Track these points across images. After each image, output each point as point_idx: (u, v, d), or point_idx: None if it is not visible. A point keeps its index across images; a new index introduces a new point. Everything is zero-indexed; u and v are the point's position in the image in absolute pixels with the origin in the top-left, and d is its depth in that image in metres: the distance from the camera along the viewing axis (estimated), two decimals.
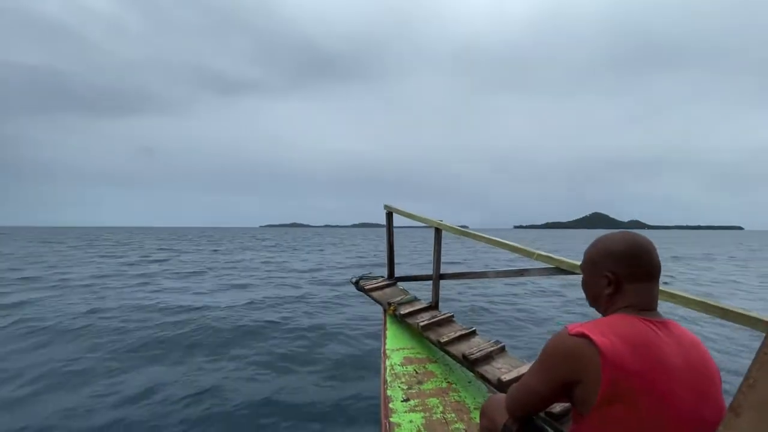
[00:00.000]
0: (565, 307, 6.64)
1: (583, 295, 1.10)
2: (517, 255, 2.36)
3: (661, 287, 1.58)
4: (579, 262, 1.93)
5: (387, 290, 3.40)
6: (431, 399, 2.01)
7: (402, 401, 1.97)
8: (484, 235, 2.57)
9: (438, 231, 2.95)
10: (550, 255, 2.09)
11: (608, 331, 0.87)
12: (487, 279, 2.72)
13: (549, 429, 1.15)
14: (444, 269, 3.06)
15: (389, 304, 3.04)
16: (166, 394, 3.06)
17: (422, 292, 3.33)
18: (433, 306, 3.02)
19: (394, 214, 3.54)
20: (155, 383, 3.26)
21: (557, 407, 1.63)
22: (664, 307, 1.04)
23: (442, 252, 3.03)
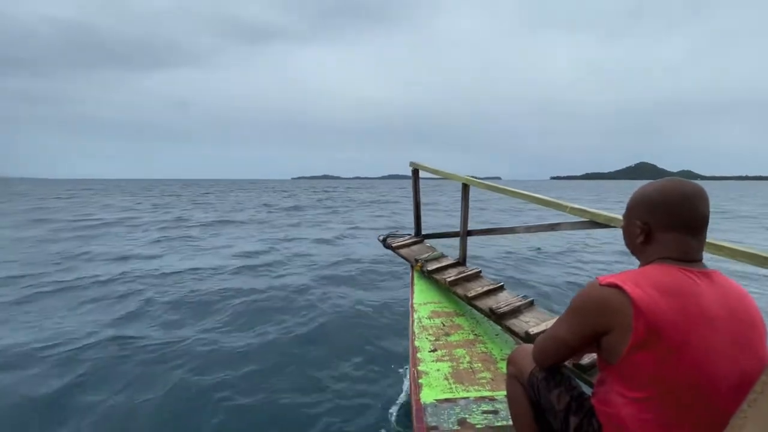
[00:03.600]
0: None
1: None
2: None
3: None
4: (614, 215, 1.84)
5: (414, 247, 3.42)
6: (458, 350, 2.05)
7: (430, 351, 2.03)
8: (513, 189, 2.48)
9: (465, 187, 2.88)
10: (584, 208, 1.99)
11: (642, 281, 0.84)
12: (517, 234, 2.66)
13: (574, 377, 1.16)
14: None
15: (416, 260, 3.06)
16: None
17: (450, 249, 3.32)
18: (461, 262, 3.02)
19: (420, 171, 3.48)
20: None
21: (585, 359, 1.62)
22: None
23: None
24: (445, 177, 3.18)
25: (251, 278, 5.51)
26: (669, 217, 0.91)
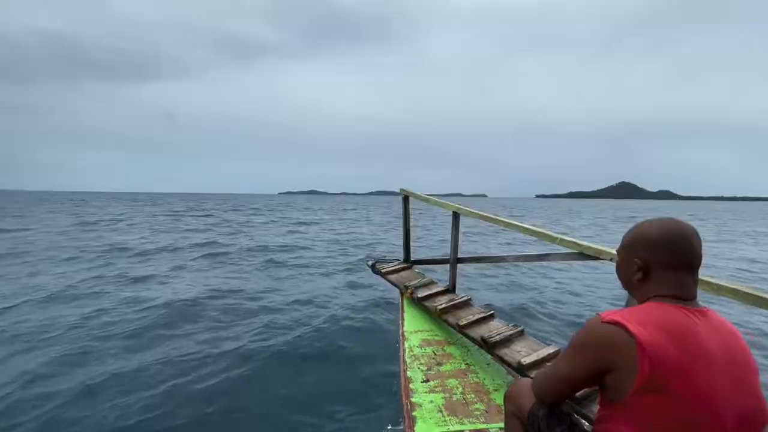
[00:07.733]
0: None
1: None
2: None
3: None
4: (604, 248, 1.90)
5: (403, 273, 3.42)
6: (450, 380, 2.03)
7: (422, 382, 2.01)
8: (502, 218, 2.54)
9: (456, 215, 2.93)
10: (575, 240, 2.05)
11: (645, 319, 0.85)
12: (506, 263, 2.70)
13: (573, 413, 1.16)
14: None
15: (406, 287, 3.06)
16: None
17: (439, 275, 3.33)
18: (451, 289, 3.03)
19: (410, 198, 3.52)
20: None
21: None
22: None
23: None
24: (436, 205, 3.23)
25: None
26: (669, 256, 0.92)
